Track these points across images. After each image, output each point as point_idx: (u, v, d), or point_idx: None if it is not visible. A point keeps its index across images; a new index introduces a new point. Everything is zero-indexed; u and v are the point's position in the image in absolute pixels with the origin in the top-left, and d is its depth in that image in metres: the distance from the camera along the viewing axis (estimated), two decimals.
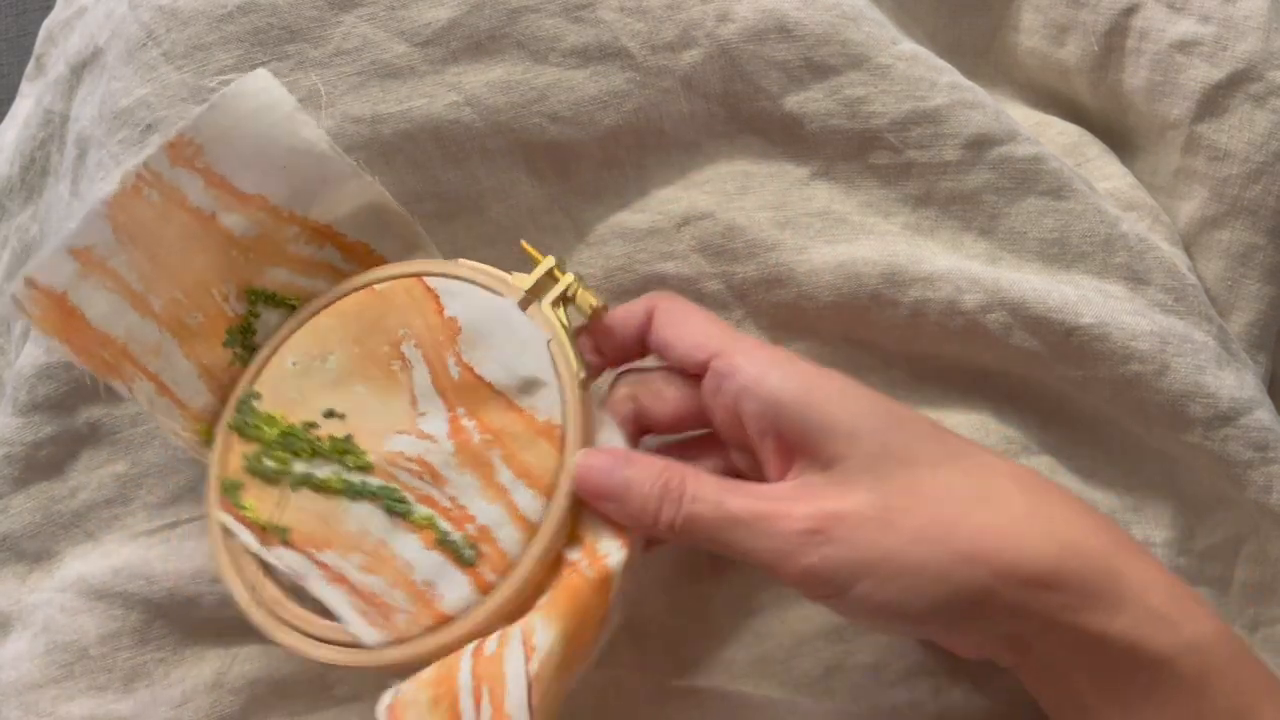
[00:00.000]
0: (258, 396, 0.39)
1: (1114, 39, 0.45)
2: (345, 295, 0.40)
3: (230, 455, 0.39)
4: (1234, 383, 0.41)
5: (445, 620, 0.35)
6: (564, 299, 0.38)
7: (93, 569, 0.41)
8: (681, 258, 0.42)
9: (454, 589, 0.35)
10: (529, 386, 0.37)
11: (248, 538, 0.38)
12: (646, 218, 0.42)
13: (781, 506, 0.31)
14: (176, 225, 0.38)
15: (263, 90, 0.38)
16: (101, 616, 0.40)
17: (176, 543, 0.41)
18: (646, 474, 0.33)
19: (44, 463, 0.42)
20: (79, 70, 0.46)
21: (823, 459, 0.32)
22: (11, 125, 0.52)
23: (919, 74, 0.41)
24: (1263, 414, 0.41)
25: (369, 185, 0.39)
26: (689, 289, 0.42)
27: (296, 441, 0.38)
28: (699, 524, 0.32)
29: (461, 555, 0.35)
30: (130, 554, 0.41)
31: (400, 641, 0.36)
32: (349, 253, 0.40)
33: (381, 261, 0.41)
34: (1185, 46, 0.44)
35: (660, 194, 0.42)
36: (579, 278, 0.39)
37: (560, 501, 0.35)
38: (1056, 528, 0.31)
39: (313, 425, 0.38)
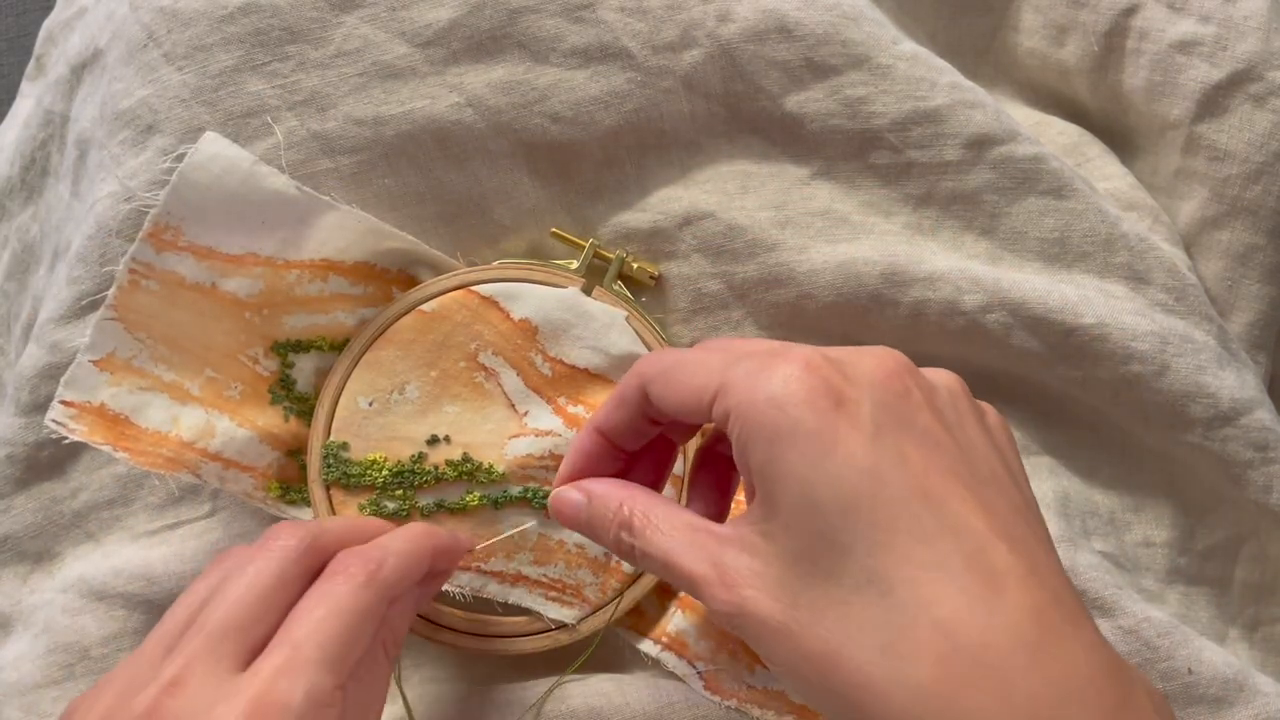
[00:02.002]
0: (345, 446, 0.40)
1: (1114, 39, 0.45)
2: (389, 324, 0.40)
3: (341, 509, 0.39)
4: (1234, 383, 0.41)
5: (633, 579, 0.39)
6: (620, 275, 0.41)
7: (94, 570, 0.41)
8: (683, 257, 0.42)
9: None
10: (625, 362, 0.39)
11: None
12: (648, 217, 0.42)
13: (682, 558, 0.29)
14: (183, 306, 0.39)
15: (218, 155, 0.38)
16: (102, 617, 0.40)
17: (178, 544, 0.41)
18: (606, 509, 0.32)
19: (45, 463, 0.42)
20: (79, 71, 0.46)
21: (765, 508, 0.28)
22: (12, 125, 0.52)
23: (919, 74, 0.41)
24: (1263, 414, 0.41)
25: (348, 214, 0.40)
26: (689, 288, 0.42)
27: (414, 477, 0.39)
28: (644, 559, 0.31)
29: None
30: (131, 555, 0.41)
31: (597, 609, 0.39)
32: (354, 275, 0.41)
33: (386, 274, 0.41)
34: (1185, 46, 0.44)
35: (661, 194, 0.42)
36: (627, 251, 0.41)
37: (692, 444, 0.39)
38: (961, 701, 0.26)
39: (421, 456, 0.39)
